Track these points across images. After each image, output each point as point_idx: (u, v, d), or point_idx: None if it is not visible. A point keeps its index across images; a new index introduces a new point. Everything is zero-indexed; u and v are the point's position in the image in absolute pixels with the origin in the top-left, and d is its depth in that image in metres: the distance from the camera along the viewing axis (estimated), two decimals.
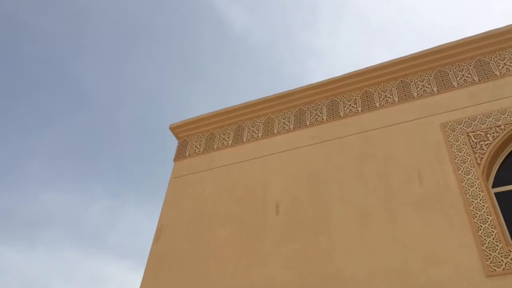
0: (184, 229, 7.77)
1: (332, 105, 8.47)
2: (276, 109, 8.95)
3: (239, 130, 9.11)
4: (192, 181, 8.59)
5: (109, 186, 27.27)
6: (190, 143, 9.50)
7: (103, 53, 25.78)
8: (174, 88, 27.82)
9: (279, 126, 8.69)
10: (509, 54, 7.41)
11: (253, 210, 7.49)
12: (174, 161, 9.28)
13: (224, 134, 9.22)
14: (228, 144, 8.97)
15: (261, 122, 9.01)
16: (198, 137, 9.51)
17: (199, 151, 9.18)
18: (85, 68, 25.84)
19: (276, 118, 8.90)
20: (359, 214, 6.57)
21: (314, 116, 8.48)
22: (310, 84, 8.73)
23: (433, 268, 5.54)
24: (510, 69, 7.19)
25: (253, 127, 9.00)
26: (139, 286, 7.26)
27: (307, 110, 8.70)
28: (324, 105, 8.58)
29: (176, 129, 9.66)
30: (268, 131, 8.76)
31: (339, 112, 8.27)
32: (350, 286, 5.89)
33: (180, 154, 9.34)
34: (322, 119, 8.33)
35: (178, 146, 9.58)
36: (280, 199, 7.42)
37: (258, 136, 8.77)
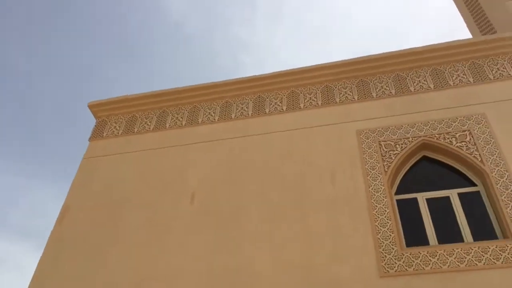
0: (91, 212, 7.41)
1: (259, 101, 8.55)
2: (202, 99, 8.84)
3: (162, 116, 8.88)
4: (106, 163, 8.23)
5: (15, 162, 25.34)
6: (109, 123, 9.09)
7: (29, 26, 23.88)
8: (103, 68, 26.54)
9: (204, 116, 8.60)
10: (424, 73, 7.95)
11: (167, 198, 7.34)
12: (89, 140, 8.81)
13: (146, 118, 8.94)
14: (149, 128, 8.70)
15: (186, 110, 8.85)
16: (118, 118, 9.13)
17: (118, 133, 8.81)
18: (3, 38, 23.77)
19: (202, 108, 8.79)
20: (273, 211, 6.69)
21: (240, 110, 8.50)
22: (239, 78, 8.74)
23: (334, 266, 5.80)
24: (424, 86, 7.71)
25: (178, 114, 8.82)
26: (35, 268, 6.81)
27: (234, 103, 8.69)
28: (251, 100, 8.63)
29: (95, 108, 9.18)
30: (192, 120, 8.62)
31: (265, 109, 8.36)
32: (256, 280, 5.98)
33: (96, 134, 8.90)
34: (248, 114, 8.38)
35: (95, 126, 9.11)
36: (196, 189, 7.35)
37: (181, 124, 8.61)
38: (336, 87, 8.27)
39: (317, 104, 8.11)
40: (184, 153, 8.03)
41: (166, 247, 6.65)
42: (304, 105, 8.18)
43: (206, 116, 8.60)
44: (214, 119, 8.49)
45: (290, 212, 6.61)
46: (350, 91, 8.10)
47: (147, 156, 8.17)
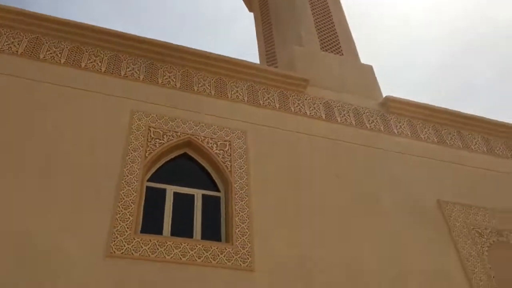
0: None
1: (35, 43, 7.59)
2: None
3: None
4: None
5: None
6: None
7: None
8: None
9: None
10: (210, 78, 8.37)
11: None
12: None
13: None
14: None
15: None
16: None
17: None
18: None
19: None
20: (17, 164, 5.97)
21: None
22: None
23: (61, 238, 5.47)
24: (206, 90, 8.13)
25: None
26: None
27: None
28: (26, 38, 7.54)
29: None
30: None
31: (39, 54, 7.45)
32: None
33: None
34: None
35: None
36: None
37: None
38: (125, 59, 7.96)
39: (100, 69, 7.64)
40: None
41: None
42: (85, 65, 7.59)
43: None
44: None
45: (34, 170, 5.99)
46: (138, 69, 7.92)
47: None
